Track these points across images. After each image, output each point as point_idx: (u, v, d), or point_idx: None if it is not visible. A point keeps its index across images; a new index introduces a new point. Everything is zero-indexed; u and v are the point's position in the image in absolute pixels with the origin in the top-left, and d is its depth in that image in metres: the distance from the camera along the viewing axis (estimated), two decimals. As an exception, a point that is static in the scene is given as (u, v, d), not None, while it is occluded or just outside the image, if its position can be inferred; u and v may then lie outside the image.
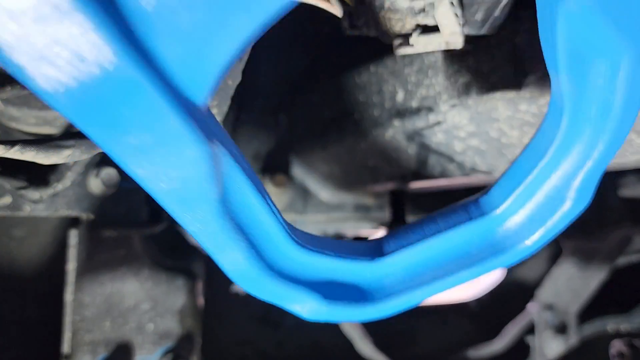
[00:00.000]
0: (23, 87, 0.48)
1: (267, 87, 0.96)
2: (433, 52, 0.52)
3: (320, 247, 0.36)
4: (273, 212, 0.33)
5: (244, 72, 0.50)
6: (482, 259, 0.36)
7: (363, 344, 1.09)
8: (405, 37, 0.46)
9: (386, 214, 0.84)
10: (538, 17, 0.33)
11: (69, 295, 0.65)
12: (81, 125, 0.25)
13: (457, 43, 0.44)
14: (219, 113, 0.49)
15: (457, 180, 0.65)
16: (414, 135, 0.62)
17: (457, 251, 0.36)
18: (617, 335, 0.77)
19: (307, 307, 0.35)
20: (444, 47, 0.44)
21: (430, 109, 0.56)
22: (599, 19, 0.29)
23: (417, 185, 0.72)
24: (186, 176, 0.28)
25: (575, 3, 0.28)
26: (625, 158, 0.49)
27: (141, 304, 0.71)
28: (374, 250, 0.37)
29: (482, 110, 0.50)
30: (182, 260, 0.81)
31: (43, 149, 0.43)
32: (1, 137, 0.57)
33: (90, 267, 0.67)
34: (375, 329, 1.25)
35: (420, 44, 0.45)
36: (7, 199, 0.61)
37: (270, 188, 0.91)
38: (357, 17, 0.49)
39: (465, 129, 0.54)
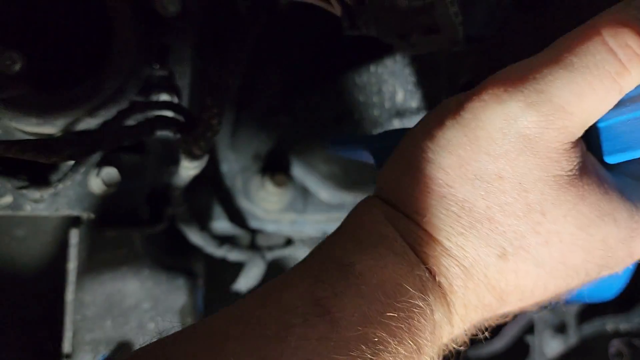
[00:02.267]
0: (24, 87, 0.48)
1: (267, 87, 0.96)
2: (433, 52, 0.52)
3: None
4: None
5: (244, 72, 0.51)
6: None
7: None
8: (405, 38, 0.46)
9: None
10: None
11: (69, 295, 0.66)
12: None
13: (457, 43, 0.44)
14: (218, 113, 0.49)
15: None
16: (413, 136, 0.62)
17: None
18: (617, 334, 0.78)
19: None
20: (443, 47, 0.44)
21: (429, 109, 0.56)
22: None
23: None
24: None
25: None
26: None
27: (142, 303, 0.71)
28: None
29: (482, 111, 0.51)
30: (183, 260, 0.82)
31: (44, 148, 0.44)
32: (2, 136, 0.58)
33: (91, 266, 0.68)
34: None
35: (420, 44, 0.45)
36: (8, 199, 0.61)
37: (270, 188, 0.91)
38: (357, 18, 0.49)
39: (465, 129, 0.54)
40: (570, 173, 0.32)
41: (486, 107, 0.32)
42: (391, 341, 0.30)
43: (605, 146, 0.33)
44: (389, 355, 0.30)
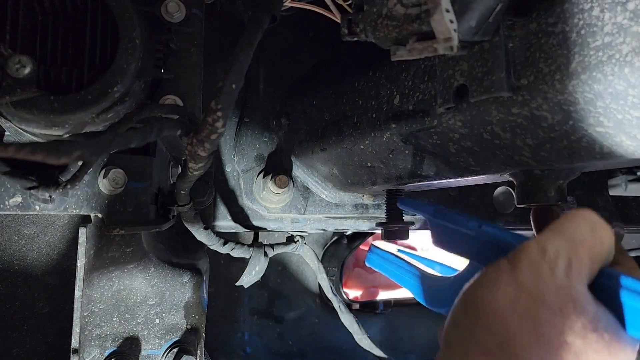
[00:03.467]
0: (33, 90, 0.50)
1: (269, 91, 0.98)
2: (428, 57, 0.53)
3: None
4: None
5: (247, 76, 0.52)
6: None
7: (362, 337, 1.10)
8: (402, 43, 0.48)
9: (383, 213, 0.86)
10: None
11: (78, 291, 0.66)
12: None
13: (452, 48, 0.45)
14: (223, 116, 0.51)
15: (451, 180, 0.67)
16: (410, 137, 0.63)
17: None
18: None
19: None
20: (439, 53, 0.45)
21: (425, 112, 0.58)
22: None
23: (413, 185, 0.73)
24: None
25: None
26: (616, 159, 0.50)
27: (148, 299, 0.72)
28: None
29: (476, 114, 0.52)
30: (188, 257, 0.83)
31: (54, 150, 0.45)
32: (12, 138, 0.59)
33: (99, 263, 0.69)
34: (371, 324, 1.26)
35: (416, 49, 0.46)
36: (18, 199, 0.62)
37: (272, 188, 0.93)
38: (356, 24, 0.50)
39: (459, 131, 0.55)
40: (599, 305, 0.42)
41: (540, 266, 0.41)
42: None
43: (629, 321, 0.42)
44: None
